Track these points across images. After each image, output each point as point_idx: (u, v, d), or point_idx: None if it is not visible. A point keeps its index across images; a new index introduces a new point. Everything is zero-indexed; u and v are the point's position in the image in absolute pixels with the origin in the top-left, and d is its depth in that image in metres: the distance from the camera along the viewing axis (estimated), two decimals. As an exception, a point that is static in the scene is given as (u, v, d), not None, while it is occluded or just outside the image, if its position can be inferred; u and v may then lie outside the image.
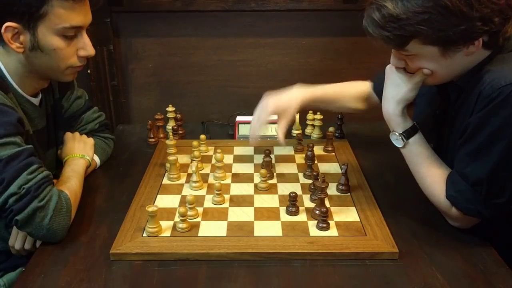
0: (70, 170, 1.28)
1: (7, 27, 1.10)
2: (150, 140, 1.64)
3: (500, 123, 1.01)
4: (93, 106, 1.52)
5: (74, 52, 1.19)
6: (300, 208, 1.22)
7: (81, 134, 1.45)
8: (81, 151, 1.36)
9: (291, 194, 1.19)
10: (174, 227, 1.15)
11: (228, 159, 1.50)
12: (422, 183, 1.19)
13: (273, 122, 1.69)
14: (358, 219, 1.18)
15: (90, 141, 1.42)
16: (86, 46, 1.19)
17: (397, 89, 1.18)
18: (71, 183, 1.21)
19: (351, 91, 1.56)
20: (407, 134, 1.19)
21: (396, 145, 1.21)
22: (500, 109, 1.01)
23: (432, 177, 1.16)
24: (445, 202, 1.13)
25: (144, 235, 1.12)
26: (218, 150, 1.38)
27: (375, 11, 1.04)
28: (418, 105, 1.35)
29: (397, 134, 1.20)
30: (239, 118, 1.72)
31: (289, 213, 1.20)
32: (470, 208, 1.09)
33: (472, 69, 1.10)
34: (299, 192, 1.30)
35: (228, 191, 1.32)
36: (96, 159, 1.43)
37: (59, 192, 1.12)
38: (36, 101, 1.27)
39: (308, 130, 1.74)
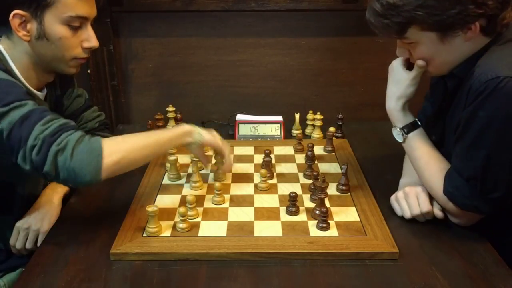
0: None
1: (15, 14, 1.12)
2: None
3: (487, 116, 1.02)
4: (93, 105, 1.52)
5: (79, 43, 1.20)
6: (300, 208, 1.22)
7: None
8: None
9: (291, 194, 1.19)
10: (174, 227, 1.15)
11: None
12: (422, 177, 1.20)
13: (275, 122, 1.69)
14: (358, 219, 1.18)
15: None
16: (90, 38, 1.21)
17: (397, 86, 1.23)
18: (125, 137, 1.15)
19: None
20: (408, 129, 1.22)
21: (397, 139, 1.24)
22: (487, 102, 1.02)
23: (431, 171, 1.17)
24: (443, 197, 1.13)
25: (144, 235, 1.12)
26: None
27: (375, 2, 1.09)
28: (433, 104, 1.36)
29: (398, 129, 1.23)
30: (239, 118, 1.72)
31: (289, 213, 1.20)
32: (467, 204, 1.10)
33: (469, 59, 1.11)
34: (299, 192, 1.30)
35: (228, 191, 1.32)
36: None
37: (81, 134, 1.06)
38: (41, 95, 1.28)
39: (308, 130, 1.74)
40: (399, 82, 1.22)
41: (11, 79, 1.12)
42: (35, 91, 1.25)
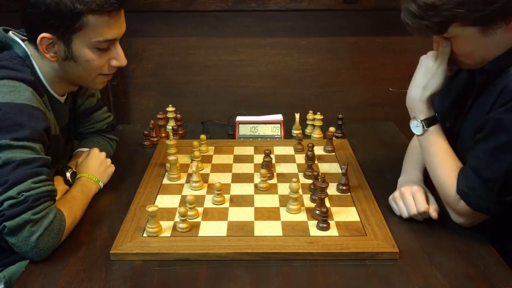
0: (80, 191, 1.23)
1: (42, 38, 1.11)
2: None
3: None
4: (103, 105, 1.52)
5: (106, 62, 1.20)
6: (301, 208, 1.22)
7: (89, 133, 1.47)
8: (99, 176, 1.32)
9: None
10: (174, 227, 1.15)
11: (228, 159, 1.50)
12: (433, 174, 1.19)
13: (275, 122, 1.69)
14: (358, 219, 1.18)
15: (111, 168, 1.38)
16: (118, 57, 1.20)
17: (426, 76, 1.19)
18: (75, 205, 1.17)
19: None
20: (428, 122, 1.19)
21: (415, 132, 1.21)
22: None
23: (445, 168, 1.16)
24: (454, 196, 1.12)
25: (144, 235, 1.12)
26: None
27: (410, 3, 1.06)
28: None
29: (418, 120, 1.20)
30: (239, 118, 1.72)
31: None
32: (480, 205, 1.09)
33: (503, 55, 1.09)
34: (299, 192, 1.30)
35: (228, 191, 1.32)
36: None
37: (56, 211, 1.08)
38: (62, 99, 1.29)
39: (308, 130, 1.74)
40: (429, 72, 1.18)
41: (34, 108, 1.09)
42: (57, 96, 1.25)
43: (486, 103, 1.11)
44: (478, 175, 1.08)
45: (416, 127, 1.21)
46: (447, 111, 1.27)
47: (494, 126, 1.05)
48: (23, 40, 1.19)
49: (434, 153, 1.18)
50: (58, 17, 1.08)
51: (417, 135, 1.22)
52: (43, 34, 1.11)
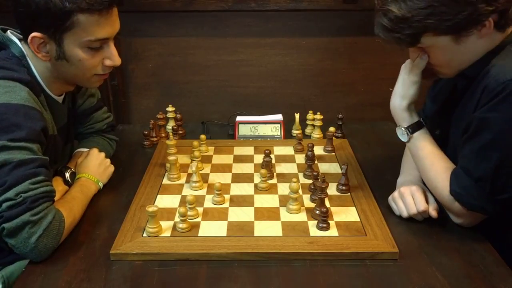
0: (79, 191, 1.23)
1: (33, 37, 1.10)
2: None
3: (504, 118, 1.01)
4: (103, 105, 1.52)
5: (100, 61, 1.19)
6: (301, 208, 1.22)
7: (89, 133, 1.47)
8: (99, 176, 1.31)
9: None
10: (174, 227, 1.15)
11: (228, 159, 1.50)
12: (426, 177, 1.19)
13: (275, 122, 1.69)
14: (358, 219, 1.18)
15: (111, 168, 1.38)
16: (112, 56, 1.19)
17: (403, 85, 1.22)
18: (74, 205, 1.17)
19: None
20: (412, 129, 1.21)
21: (402, 139, 1.24)
22: (505, 103, 1.01)
23: (436, 171, 1.16)
24: (448, 197, 1.13)
25: (144, 235, 1.12)
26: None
27: (382, 17, 1.07)
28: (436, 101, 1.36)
29: (402, 128, 1.22)
30: (239, 118, 1.72)
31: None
32: (474, 204, 1.09)
33: (481, 59, 1.10)
34: (299, 192, 1.30)
35: (228, 191, 1.32)
36: None
37: (55, 212, 1.07)
38: (60, 99, 1.28)
39: (308, 130, 1.74)
40: (405, 82, 1.21)
41: (31, 108, 1.09)
42: (54, 96, 1.25)
43: (470, 105, 1.12)
44: (469, 175, 1.09)
45: (401, 134, 1.24)
46: (435, 118, 1.29)
47: (478, 125, 1.06)
48: (20, 40, 1.18)
49: (424, 157, 1.19)
50: (47, 16, 1.07)
51: (405, 142, 1.24)
52: (33, 34, 1.10)
